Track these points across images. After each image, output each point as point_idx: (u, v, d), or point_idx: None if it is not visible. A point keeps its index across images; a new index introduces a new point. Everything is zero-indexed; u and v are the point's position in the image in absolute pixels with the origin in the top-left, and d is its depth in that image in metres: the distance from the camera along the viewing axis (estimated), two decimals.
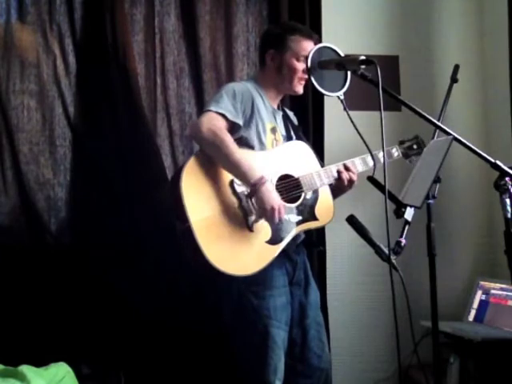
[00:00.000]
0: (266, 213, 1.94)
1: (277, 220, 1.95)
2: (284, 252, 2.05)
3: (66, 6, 2.64)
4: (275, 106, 2.22)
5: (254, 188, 1.93)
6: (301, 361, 2.16)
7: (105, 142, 2.60)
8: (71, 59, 2.65)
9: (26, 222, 2.56)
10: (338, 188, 2.20)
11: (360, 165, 2.22)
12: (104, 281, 2.50)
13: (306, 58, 2.08)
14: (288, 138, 2.22)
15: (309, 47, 2.12)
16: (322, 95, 2.45)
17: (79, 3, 2.65)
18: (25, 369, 1.82)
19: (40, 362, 1.92)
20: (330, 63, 1.91)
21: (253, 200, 1.97)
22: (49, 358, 1.97)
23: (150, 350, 2.53)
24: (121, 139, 2.61)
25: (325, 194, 2.18)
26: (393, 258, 1.74)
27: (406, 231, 1.86)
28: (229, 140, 1.96)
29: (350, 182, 2.17)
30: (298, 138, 2.25)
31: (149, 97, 2.72)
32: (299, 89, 2.19)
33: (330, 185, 2.20)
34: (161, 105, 2.74)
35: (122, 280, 2.50)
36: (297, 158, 2.15)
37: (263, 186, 1.92)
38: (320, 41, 2.31)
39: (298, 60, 2.14)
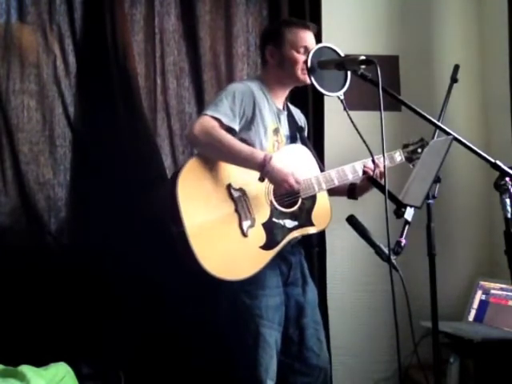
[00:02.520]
0: (284, 187, 1.96)
1: (296, 187, 1.98)
2: (278, 253, 2.05)
3: (65, 5, 2.64)
4: (280, 106, 2.20)
5: (263, 169, 1.94)
6: (299, 359, 2.17)
7: (105, 141, 2.60)
8: (71, 59, 2.65)
9: (26, 222, 2.56)
10: (365, 188, 2.22)
11: (350, 173, 2.19)
12: (104, 281, 2.50)
13: (306, 48, 2.08)
14: (292, 137, 2.21)
15: (307, 37, 2.12)
16: (322, 95, 2.46)
17: (79, 3, 2.65)
18: (25, 369, 1.82)
19: (40, 361, 1.92)
20: (329, 63, 1.91)
21: (266, 181, 1.97)
22: (49, 358, 1.97)
23: (150, 349, 2.53)
24: (121, 139, 2.61)
25: (323, 200, 2.17)
26: (393, 258, 1.74)
27: (406, 231, 1.85)
28: (223, 135, 1.95)
29: (381, 177, 2.14)
30: (302, 139, 2.25)
31: (149, 97, 2.72)
32: (305, 78, 2.11)
33: (353, 187, 2.21)
34: (161, 105, 2.74)
35: (121, 280, 2.50)
36: (296, 163, 2.13)
37: (270, 163, 1.93)
38: (318, 31, 2.30)
39: (297, 51, 2.11)
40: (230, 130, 2.01)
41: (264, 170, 1.94)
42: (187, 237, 1.88)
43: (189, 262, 1.91)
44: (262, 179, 1.98)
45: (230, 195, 1.98)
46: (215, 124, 1.96)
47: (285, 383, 2.14)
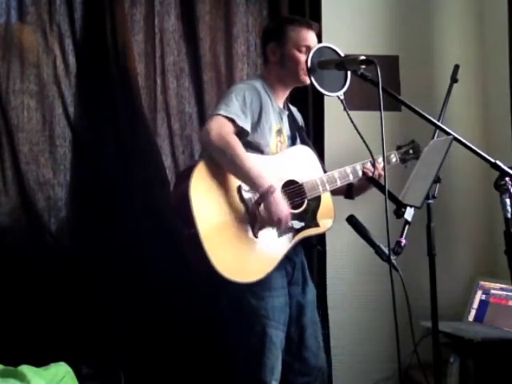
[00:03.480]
0: (274, 221, 1.93)
1: (283, 229, 1.96)
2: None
3: (65, 5, 2.63)
4: (282, 106, 2.20)
5: (263, 196, 1.92)
6: (298, 359, 2.17)
7: (105, 142, 2.60)
8: (71, 59, 2.64)
9: (26, 222, 2.56)
10: (362, 188, 2.24)
11: (351, 174, 2.20)
12: (104, 281, 2.50)
13: (308, 47, 2.07)
14: (292, 138, 2.21)
15: (309, 36, 2.11)
16: (322, 95, 2.46)
17: (79, 3, 2.65)
18: (25, 369, 1.82)
19: (40, 362, 1.92)
20: (330, 63, 1.91)
21: (261, 207, 1.94)
22: (49, 358, 1.97)
23: (150, 349, 2.53)
24: (121, 139, 2.61)
25: (327, 201, 2.17)
26: (393, 258, 1.74)
27: (406, 231, 1.86)
28: (238, 146, 1.92)
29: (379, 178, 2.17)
30: (302, 139, 2.24)
31: (149, 97, 2.72)
32: (305, 79, 2.09)
33: (351, 187, 2.21)
34: (161, 105, 2.73)
35: (121, 280, 2.50)
36: (301, 164, 2.13)
37: (272, 195, 1.91)
38: (320, 31, 2.29)
39: (299, 51, 2.09)
40: (242, 131, 1.98)
41: (266, 200, 1.92)
42: (200, 239, 1.85)
43: (201, 263, 1.89)
44: (258, 203, 1.95)
45: (241, 197, 1.96)
46: (230, 129, 1.94)
47: (284, 383, 2.14)
